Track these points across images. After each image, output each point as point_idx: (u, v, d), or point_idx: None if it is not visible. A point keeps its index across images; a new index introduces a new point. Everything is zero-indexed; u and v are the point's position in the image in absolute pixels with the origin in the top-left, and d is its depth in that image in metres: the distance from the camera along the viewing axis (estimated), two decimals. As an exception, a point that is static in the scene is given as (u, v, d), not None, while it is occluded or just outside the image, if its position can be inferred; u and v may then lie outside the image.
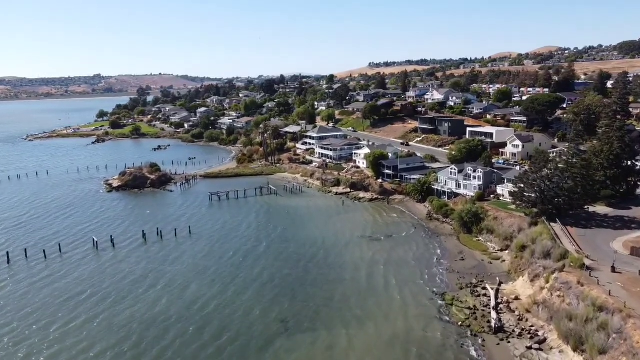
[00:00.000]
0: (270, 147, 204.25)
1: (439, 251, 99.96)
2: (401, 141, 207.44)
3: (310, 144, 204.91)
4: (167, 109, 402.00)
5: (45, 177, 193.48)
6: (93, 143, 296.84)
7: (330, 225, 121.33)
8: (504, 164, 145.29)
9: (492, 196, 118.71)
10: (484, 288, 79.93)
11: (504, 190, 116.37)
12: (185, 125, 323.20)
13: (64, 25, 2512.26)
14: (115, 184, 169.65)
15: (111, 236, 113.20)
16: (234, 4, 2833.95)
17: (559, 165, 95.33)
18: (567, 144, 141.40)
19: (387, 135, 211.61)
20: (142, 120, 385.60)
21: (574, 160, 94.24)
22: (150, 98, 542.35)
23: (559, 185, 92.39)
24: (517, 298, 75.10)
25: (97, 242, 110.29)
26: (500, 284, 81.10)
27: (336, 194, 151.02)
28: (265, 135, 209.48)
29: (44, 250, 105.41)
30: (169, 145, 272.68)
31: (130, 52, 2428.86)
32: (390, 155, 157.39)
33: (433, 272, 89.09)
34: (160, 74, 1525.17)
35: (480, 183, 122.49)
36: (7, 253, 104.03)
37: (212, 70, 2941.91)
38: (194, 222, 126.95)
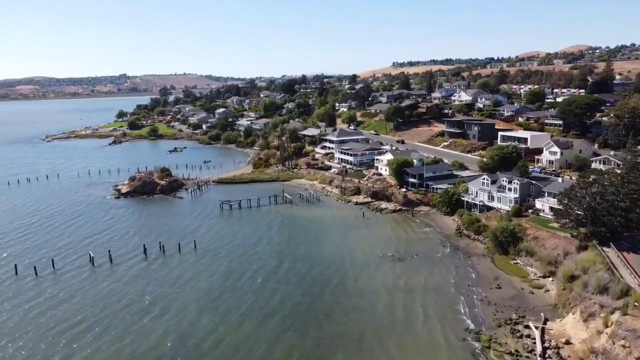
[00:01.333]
0: (288, 151, 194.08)
1: (472, 275, 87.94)
2: (397, 139, 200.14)
3: (329, 148, 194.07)
4: (187, 109, 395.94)
5: (56, 180, 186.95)
6: (110, 144, 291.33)
7: (348, 240, 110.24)
8: (540, 172, 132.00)
9: (530, 211, 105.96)
10: (527, 326, 67.83)
11: (544, 205, 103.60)
12: (204, 127, 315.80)
13: (91, 25, 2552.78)
14: (124, 189, 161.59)
15: (109, 251, 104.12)
16: (258, 2, 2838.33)
17: (613, 180, 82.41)
18: (613, 152, 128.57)
19: (411, 139, 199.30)
20: (161, 121, 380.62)
21: (632, 175, 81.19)
22: (172, 98, 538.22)
23: (614, 204, 79.56)
24: (567, 342, 62.90)
25: (93, 257, 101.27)
26: (545, 321, 68.94)
27: (356, 203, 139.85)
28: (283, 138, 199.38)
29: (34, 267, 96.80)
30: (185, 148, 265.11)
31: (155, 52, 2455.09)
32: (415, 162, 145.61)
33: (465, 303, 77.19)
34: (184, 73, 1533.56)
35: (517, 196, 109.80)
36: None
37: (235, 70, 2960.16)
38: (201, 234, 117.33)
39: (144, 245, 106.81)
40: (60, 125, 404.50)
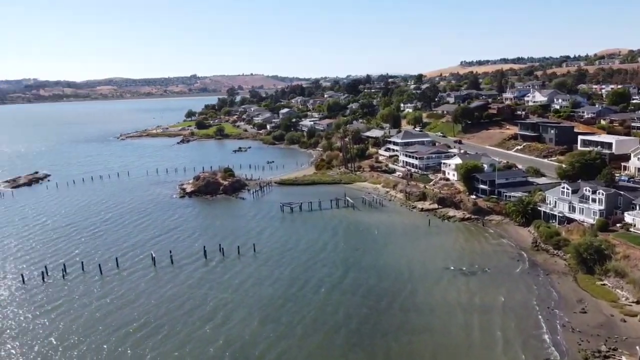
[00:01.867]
0: (350, 153, 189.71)
1: (554, 294, 79.68)
2: (454, 139, 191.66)
3: (393, 150, 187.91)
4: (252, 109, 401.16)
5: (126, 178, 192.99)
6: (178, 143, 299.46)
7: (415, 250, 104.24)
8: (628, 181, 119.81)
9: (618, 225, 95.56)
10: (619, 361, 59.74)
11: (635, 219, 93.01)
12: (268, 127, 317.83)
13: (165, 29, 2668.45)
14: (189, 189, 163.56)
15: (170, 252, 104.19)
16: (322, 4, 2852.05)
17: None
18: None
19: (481, 142, 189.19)
20: (227, 121, 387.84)
21: None
22: (238, 98, 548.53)
23: None
24: (669, 383, 54.50)
25: (155, 258, 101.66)
26: (641, 355, 60.45)
27: (421, 210, 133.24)
28: (345, 139, 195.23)
29: (99, 265, 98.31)
30: (250, 147, 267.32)
31: (224, 53, 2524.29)
32: (485, 167, 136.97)
33: (545, 328, 69.52)
34: (251, 74, 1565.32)
35: (602, 208, 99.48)
36: (64, 265, 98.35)
37: (301, 70, 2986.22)
38: (261, 237, 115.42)
39: (204, 247, 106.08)
40: (134, 124, 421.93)
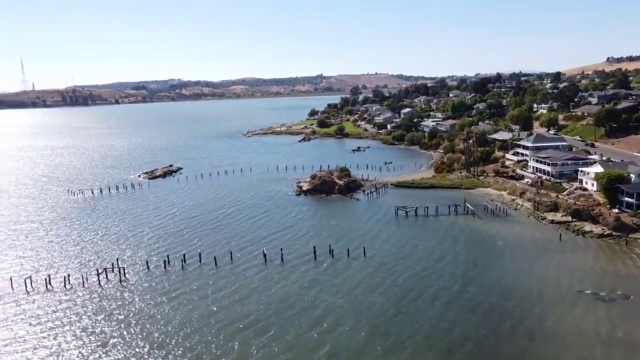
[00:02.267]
0: (474, 156, 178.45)
1: None
2: (587, 142, 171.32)
3: (522, 154, 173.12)
4: (374, 108, 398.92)
5: (248, 174, 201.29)
6: (299, 141, 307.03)
7: (544, 268, 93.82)
8: None
9: None
10: None
11: None
12: (388, 126, 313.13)
13: (294, 31, 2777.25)
14: (305, 187, 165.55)
15: (282, 250, 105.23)
16: (450, 2, 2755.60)
17: None
18: None
19: (629, 149, 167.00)
20: (348, 120, 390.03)
21: None
22: (361, 97, 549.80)
23: None
24: None
25: (267, 255, 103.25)
26: None
27: (552, 222, 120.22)
28: (469, 141, 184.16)
29: (215, 258, 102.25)
30: (368, 147, 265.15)
31: (349, 53, 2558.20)
32: (632, 177, 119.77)
33: None
34: (375, 73, 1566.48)
35: None
36: (184, 256, 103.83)
37: (426, 69, 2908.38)
38: (374, 241, 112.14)
39: (314, 248, 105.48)
40: (261, 122, 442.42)
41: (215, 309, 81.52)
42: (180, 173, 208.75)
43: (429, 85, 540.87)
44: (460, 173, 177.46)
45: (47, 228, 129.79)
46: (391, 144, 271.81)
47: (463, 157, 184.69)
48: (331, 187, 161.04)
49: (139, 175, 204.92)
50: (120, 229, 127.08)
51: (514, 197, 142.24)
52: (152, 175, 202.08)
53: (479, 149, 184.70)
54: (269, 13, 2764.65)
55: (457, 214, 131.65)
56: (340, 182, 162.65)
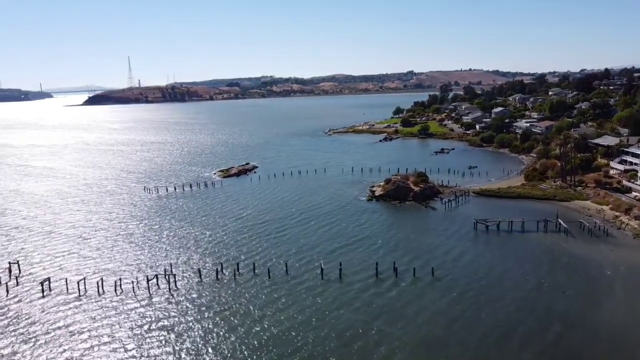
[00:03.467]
0: (571, 163, 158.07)
1: None
2: None
3: (631, 163, 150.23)
4: (463, 107, 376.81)
5: (322, 175, 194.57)
6: (380, 141, 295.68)
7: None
8: None
9: None
10: None
11: None
12: (477, 127, 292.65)
13: (382, 27, 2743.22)
14: (378, 192, 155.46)
15: (340, 264, 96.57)
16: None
17: None
18: None
19: None
20: (434, 119, 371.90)
21: None
22: (451, 95, 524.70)
23: None
24: None
25: (323, 269, 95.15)
26: None
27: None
28: (567, 146, 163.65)
29: (268, 270, 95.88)
30: (453, 149, 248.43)
31: (441, 49, 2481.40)
32: None
33: None
34: (469, 69, 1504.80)
35: None
36: (237, 265, 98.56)
37: (525, 64, 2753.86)
38: (445, 259, 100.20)
39: (376, 264, 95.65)
40: (344, 120, 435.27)
41: (262, 336, 74.63)
42: (255, 172, 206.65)
43: (526, 82, 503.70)
44: (554, 182, 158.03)
45: (117, 226, 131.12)
46: (478, 146, 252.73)
47: (559, 164, 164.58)
48: (405, 193, 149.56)
49: (215, 173, 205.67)
50: (184, 231, 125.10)
51: (617, 214, 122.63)
52: (227, 174, 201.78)
53: (579, 155, 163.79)
54: (360, 10, 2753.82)
55: (547, 230, 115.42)
56: (416, 189, 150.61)
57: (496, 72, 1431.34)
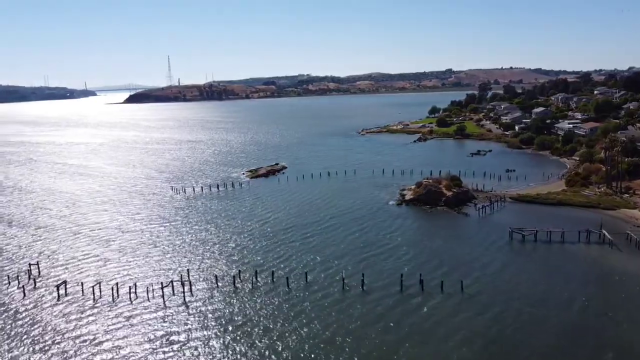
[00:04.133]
0: (617, 168, 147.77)
1: None
2: None
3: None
4: (502, 107, 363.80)
5: (352, 177, 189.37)
6: (414, 142, 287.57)
7: None
8: None
9: None
10: None
11: None
12: (516, 127, 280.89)
13: (419, 25, 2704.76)
14: (408, 196, 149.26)
15: (363, 275, 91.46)
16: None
17: None
18: None
19: None
20: (471, 119, 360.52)
21: None
22: (490, 94, 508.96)
23: None
24: None
25: (346, 282, 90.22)
26: None
27: None
28: (613, 149, 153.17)
29: (287, 279, 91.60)
30: (490, 151, 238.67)
31: (481, 46, 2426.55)
32: None
33: None
34: (510, 67, 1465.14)
35: None
36: (256, 272, 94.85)
37: (569, 62, 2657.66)
38: (476, 271, 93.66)
39: (401, 275, 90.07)
40: (378, 119, 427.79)
41: (280, 353, 70.56)
42: (283, 173, 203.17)
43: (569, 80, 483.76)
44: (599, 188, 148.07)
45: (141, 228, 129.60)
46: (517, 148, 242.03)
47: (604, 169, 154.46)
48: (437, 197, 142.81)
49: (243, 173, 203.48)
50: (207, 234, 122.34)
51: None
52: (255, 174, 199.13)
53: (626, 160, 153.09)
54: (398, 8, 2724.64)
55: (590, 242, 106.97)
56: (449, 193, 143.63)
57: (538, 70, 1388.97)
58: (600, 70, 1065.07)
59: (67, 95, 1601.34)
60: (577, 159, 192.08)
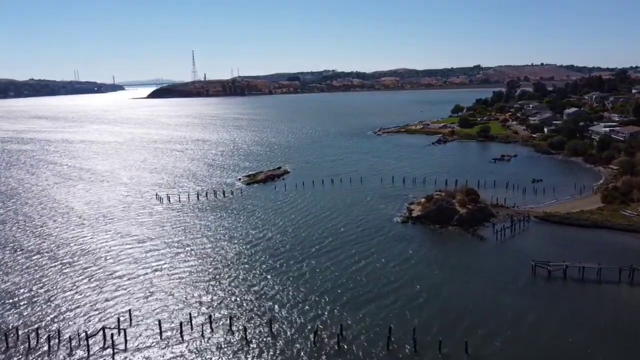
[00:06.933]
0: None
1: None
2: None
3: None
4: (530, 106, 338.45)
5: (357, 185, 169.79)
6: (433, 144, 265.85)
7: None
8: None
9: None
10: None
11: None
12: (545, 130, 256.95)
13: (448, 21, 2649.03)
14: (416, 212, 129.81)
15: (341, 325, 72.76)
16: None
17: None
18: None
19: None
20: (497, 119, 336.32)
21: None
22: (518, 92, 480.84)
23: None
24: None
25: (318, 334, 71.84)
26: None
27: None
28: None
29: (270, 322, 73.77)
30: (515, 156, 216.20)
31: (510, 42, 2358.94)
32: None
33: None
34: (541, 64, 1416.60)
35: None
36: (230, 318, 77.34)
37: (604, 58, 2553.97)
38: (486, 323, 74.02)
39: (390, 328, 70.97)
40: (400, 118, 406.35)
41: None
42: (284, 179, 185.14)
43: (604, 78, 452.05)
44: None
45: (97, 249, 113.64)
46: (546, 153, 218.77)
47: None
48: (449, 215, 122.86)
49: (239, 179, 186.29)
50: (170, 262, 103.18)
51: None
52: (252, 180, 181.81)
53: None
54: (427, 3, 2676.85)
55: (633, 282, 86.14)
56: (463, 210, 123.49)
57: (570, 67, 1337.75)
58: (636, 67, 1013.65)
59: (95, 89, 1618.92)
60: (615, 168, 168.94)
